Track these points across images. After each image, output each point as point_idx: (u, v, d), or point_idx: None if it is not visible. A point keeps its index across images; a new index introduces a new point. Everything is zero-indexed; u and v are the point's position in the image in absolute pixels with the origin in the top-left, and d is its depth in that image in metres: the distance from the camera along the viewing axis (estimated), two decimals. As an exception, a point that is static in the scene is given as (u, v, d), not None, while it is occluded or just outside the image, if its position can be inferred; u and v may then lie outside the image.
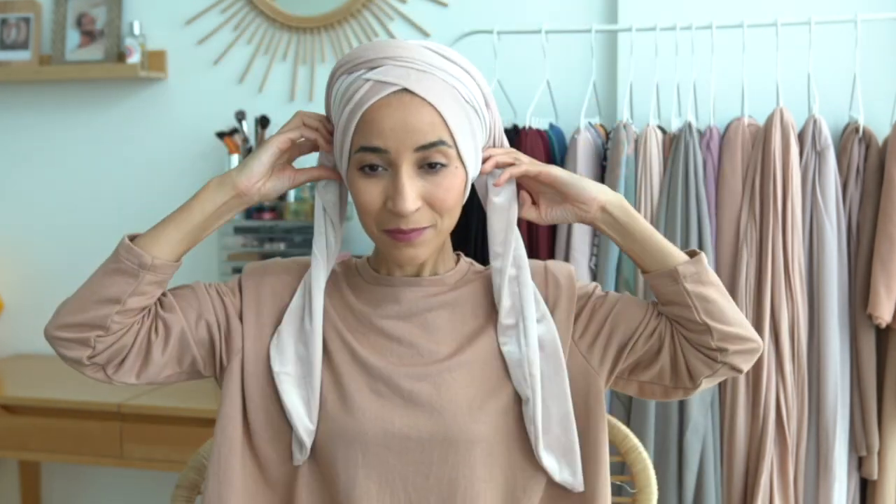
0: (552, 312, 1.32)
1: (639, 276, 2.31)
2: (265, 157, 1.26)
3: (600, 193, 1.29)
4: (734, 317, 1.29)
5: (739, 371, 1.32)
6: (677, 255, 1.29)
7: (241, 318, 1.31)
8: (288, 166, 1.30)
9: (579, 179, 1.29)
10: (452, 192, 1.22)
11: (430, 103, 1.19)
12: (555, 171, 1.29)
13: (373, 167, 1.20)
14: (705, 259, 1.30)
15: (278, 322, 1.31)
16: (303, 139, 1.28)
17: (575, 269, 1.39)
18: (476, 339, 1.30)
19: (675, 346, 1.31)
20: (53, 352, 1.27)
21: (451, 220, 1.25)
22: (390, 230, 1.22)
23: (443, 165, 1.20)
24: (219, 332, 1.30)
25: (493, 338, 1.30)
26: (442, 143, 1.19)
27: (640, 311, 1.33)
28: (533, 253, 2.38)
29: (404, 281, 1.31)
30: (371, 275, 1.34)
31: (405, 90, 1.19)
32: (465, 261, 1.39)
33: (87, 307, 1.23)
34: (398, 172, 1.19)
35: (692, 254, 1.30)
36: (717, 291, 1.29)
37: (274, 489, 1.30)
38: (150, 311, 1.27)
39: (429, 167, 1.20)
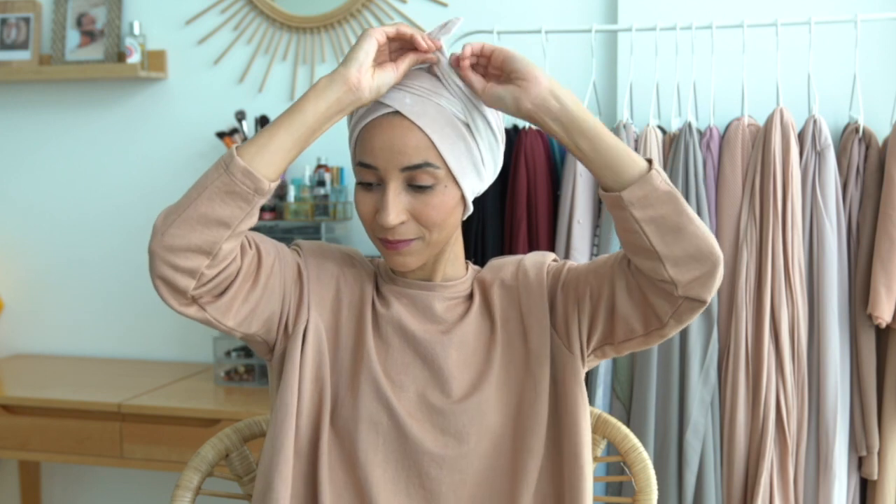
0: (525, 317, 1.36)
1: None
2: (369, 48, 1.23)
3: (549, 79, 1.23)
4: (691, 233, 1.21)
5: (703, 302, 1.24)
6: (632, 165, 1.21)
7: (304, 285, 1.35)
8: (386, 60, 1.28)
9: (530, 61, 1.24)
10: (440, 209, 1.28)
11: (418, 127, 1.25)
12: (507, 50, 1.25)
13: (369, 184, 1.29)
14: (657, 173, 1.21)
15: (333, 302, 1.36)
16: (394, 35, 1.26)
17: (552, 255, 1.42)
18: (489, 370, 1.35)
19: (634, 288, 1.27)
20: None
21: (441, 234, 1.31)
22: (381, 238, 1.30)
23: (430, 186, 1.27)
24: (294, 286, 1.34)
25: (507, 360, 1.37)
26: (428, 164, 1.26)
27: (604, 269, 1.31)
28: (533, 253, 2.38)
29: (420, 286, 1.37)
30: (389, 275, 1.40)
31: (397, 112, 1.26)
32: (473, 268, 1.44)
33: (195, 228, 1.18)
34: (386, 189, 1.27)
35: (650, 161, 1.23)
36: (669, 206, 1.20)
37: (299, 453, 1.33)
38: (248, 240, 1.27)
39: (417, 185, 1.27)
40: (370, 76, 1.23)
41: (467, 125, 1.28)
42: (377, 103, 1.27)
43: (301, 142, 1.22)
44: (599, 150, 1.22)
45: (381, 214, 1.26)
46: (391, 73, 1.26)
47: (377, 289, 1.39)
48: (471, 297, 1.39)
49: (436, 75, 1.29)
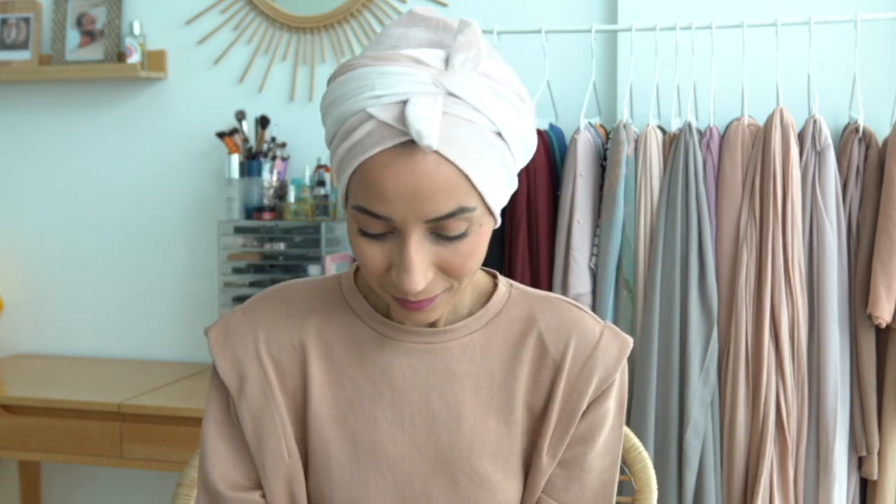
0: (529, 392, 1.10)
1: (639, 276, 2.31)
2: None
3: None
4: None
5: None
6: None
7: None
8: None
9: None
10: (474, 254, 0.98)
11: (450, 162, 0.92)
12: None
13: (376, 235, 0.96)
14: None
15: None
16: None
17: (623, 366, 1.11)
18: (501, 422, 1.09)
19: None
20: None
21: (471, 279, 1.02)
22: (397, 297, 1.00)
23: (463, 234, 0.96)
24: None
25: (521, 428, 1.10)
26: (462, 210, 0.94)
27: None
28: (533, 255, 2.38)
29: (414, 332, 1.08)
30: (366, 310, 1.10)
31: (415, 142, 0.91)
32: (504, 284, 1.13)
33: None
34: (405, 242, 0.94)
35: None
36: None
37: None
38: None
39: (446, 235, 0.96)
40: None
41: (499, 133, 0.96)
42: (385, 125, 0.91)
43: None
44: None
45: (404, 278, 0.94)
46: None
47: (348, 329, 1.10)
48: (491, 331, 1.10)
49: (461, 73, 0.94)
